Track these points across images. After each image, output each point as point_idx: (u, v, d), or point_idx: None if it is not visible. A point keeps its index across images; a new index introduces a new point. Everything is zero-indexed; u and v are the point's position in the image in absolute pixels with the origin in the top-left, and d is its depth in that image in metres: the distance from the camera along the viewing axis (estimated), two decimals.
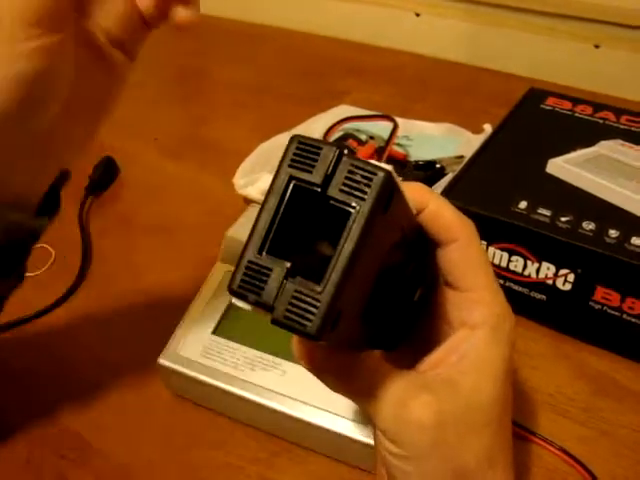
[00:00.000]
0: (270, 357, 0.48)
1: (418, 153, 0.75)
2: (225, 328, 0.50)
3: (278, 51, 1.09)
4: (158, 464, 0.48)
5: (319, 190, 0.24)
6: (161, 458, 0.49)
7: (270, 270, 0.24)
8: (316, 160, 0.24)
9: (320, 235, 0.25)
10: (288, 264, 0.24)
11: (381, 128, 0.76)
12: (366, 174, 0.23)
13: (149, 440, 0.50)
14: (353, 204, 0.23)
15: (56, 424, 0.51)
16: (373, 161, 0.24)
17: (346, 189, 0.24)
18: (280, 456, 0.48)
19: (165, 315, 0.52)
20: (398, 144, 0.76)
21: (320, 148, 0.24)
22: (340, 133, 0.78)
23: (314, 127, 0.80)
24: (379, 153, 0.72)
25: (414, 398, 0.30)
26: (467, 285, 0.33)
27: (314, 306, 0.23)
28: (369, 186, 0.23)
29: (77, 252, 0.65)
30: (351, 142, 0.76)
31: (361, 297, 0.27)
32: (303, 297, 0.24)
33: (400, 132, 0.76)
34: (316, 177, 0.24)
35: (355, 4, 1.10)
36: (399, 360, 0.33)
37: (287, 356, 0.48)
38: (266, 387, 0.47)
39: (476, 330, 0.32)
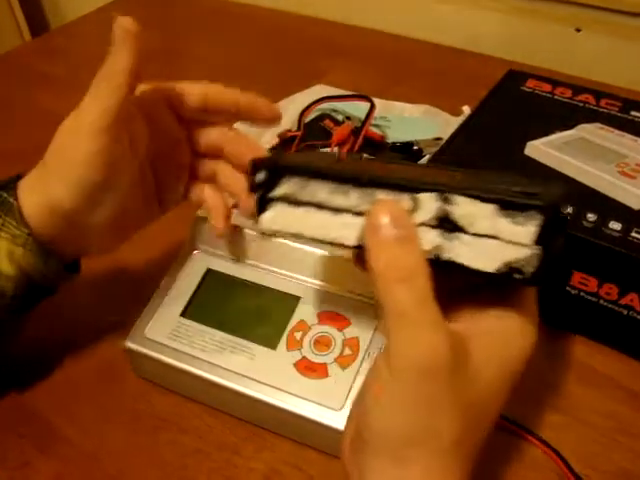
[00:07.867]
0: (239, 340, 0.47)
1: (396, 134, 0.74)
2: (194, 310, 0.49)
3: (253, 30, 1.07)
4: (124, 449, 0.47)
5: None
6: (127, 443, 0.48)
7: None
8: None
9: None
10: None
11: (358, 108, 0.74)
12: None
13: (116, 425, 0.49)
14: None
15: (21, 409, 0.50)
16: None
17: None
18: (248, 441, 0.47)
19: (133, 297, 0.51)
20: (376, 125, 0.75)
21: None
22: (317, 113, 0.77)
23: (290, 107, 0.78)
24: (356, 133, 0.70)
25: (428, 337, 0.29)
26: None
27: None
28: None
29: None
30: (328, 122, 0.75)
31: None
32: None
33: (378, 113, 0.75)
34: None
35: None
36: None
37: (256, 339, 0.47)
38: (234, 371, 0.46)
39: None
